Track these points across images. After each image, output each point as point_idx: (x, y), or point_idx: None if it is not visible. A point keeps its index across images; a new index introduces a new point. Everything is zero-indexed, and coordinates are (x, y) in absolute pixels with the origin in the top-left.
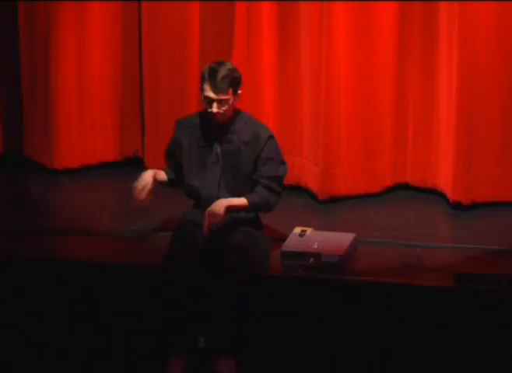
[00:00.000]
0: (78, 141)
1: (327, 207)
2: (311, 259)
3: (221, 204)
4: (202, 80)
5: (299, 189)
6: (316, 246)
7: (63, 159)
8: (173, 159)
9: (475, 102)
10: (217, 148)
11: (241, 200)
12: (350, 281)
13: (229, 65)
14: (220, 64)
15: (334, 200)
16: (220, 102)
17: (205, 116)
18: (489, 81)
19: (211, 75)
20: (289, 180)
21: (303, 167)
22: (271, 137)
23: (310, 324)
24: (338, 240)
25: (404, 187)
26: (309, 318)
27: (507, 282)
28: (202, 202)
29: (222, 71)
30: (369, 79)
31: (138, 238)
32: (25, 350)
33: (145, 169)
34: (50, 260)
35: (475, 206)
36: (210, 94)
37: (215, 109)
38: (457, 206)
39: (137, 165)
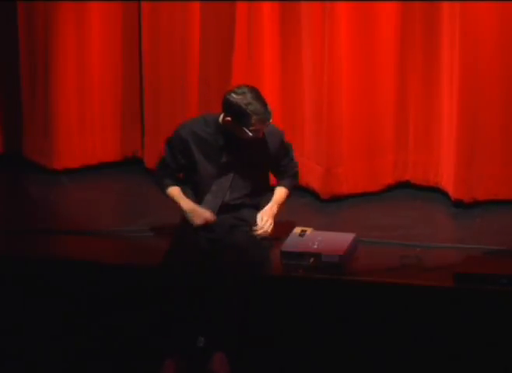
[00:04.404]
0: (78, 141)
1: (328, 206)
2: (311, 259)
3: (268, 220)
4: (244, 116)
5: (301, 189)
6: (316, 246)
7: (63, 159)
8: (176, 161)
9: (476, 101)
10: (233, 159)
11: (283, 195)
12: (350, 281)
13: (254, 90)
14: (250, 92)
15: (336, 199)
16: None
17: (222, 131)
18: (491, 80)
19: (256, 109)
20: None
21: (305, 166)
22: (283, 133)
23: (310, 324)
24: (338, 240)
25: (405, 185)
26: (309, 318)
27: (507, 282)
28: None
29: (260, 99)
30: (371, 79)
31: (139, 237)
32: (25, 349)
33: (144, 169)
34: (50, 260)
35: (476, 204)
36: (264, 126)
37: (261, 135)
38: (459, 204)
39: (137, 165)
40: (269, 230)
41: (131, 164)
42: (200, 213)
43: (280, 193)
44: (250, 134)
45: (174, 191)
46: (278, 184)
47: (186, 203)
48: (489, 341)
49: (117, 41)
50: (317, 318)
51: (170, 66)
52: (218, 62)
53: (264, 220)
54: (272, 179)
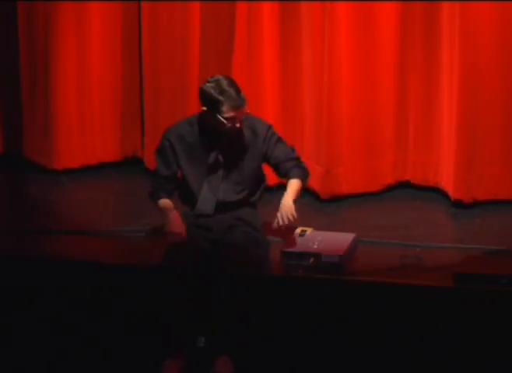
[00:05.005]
0: (78, 141)
1: (328, 206)
2: (311, 259)
3: (289, 205)
4: (216, 103)
5: None
6: (316, 246)
7: (63, 159)
8: (169, 168)
9: (476, 101)
10: (219, 156)
11: (296, 186)
12: (350, 281)
13: (228, 78)
14: (223, 80)
15: (336, 200)
16: (242, 116)
17: (202, 125)
18: (491, 80)
19: (228, 95)
20: None
21: None
22: (270, 126)
23: (309, 324)
24: (338, 240)
25: (405, 185)
26: (309, 318)
27: (507, 282)
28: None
29: (234, 86)
30: (371, 79)
31: (139, 237)
32: (24, 349)
33: (144, 169)
34: (50, 260)
35: (476, 204)
36: (235, 113)
37: (238, 124)
38: (459, 204)
39: (137, 165)
40: (291, 218)
41: (131, 164)
42: (179, 227)
43: (292, 185)
44: (226, 122)
45: (165, 203)
46: (288, 178)
47: (173, 214)
48: (489, 341)
49: (117, 41)
50: (317, 318)
51: (170, 66)
52: (218, 62)
53: (284, 215)
54: (272, 178)
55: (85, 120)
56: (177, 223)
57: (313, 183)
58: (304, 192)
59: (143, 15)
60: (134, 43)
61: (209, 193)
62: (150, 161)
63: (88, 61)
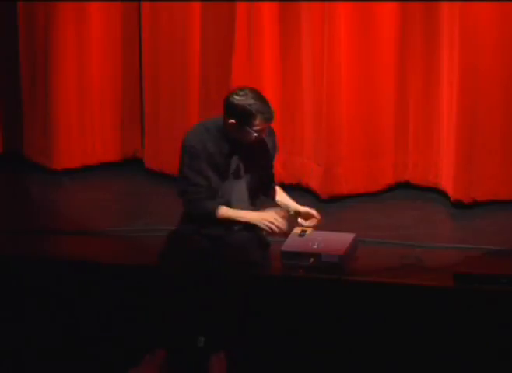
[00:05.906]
0: (78, 141)
1: (328, 206)
2: (311, 259)
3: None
4: (249, 116)
5: (301, 189)
6: (316, 246)
7: (62, 159)
8: (205, 175)
9: (476, 102)
10: (239, 162)
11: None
12: (350, 281)
13: (255, 90)
14: (250, 93)
15: (336, 200)
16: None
17: (224, 134)
18: (490, 80)
19: (260, 108)
20: (290, 180)
21: (305, 166)
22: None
23: (309, 324)
24: (338, 240)
25: (405, 186)
26: (308, 318)
27: (507, 282)
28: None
29: (262, 98)
30: (371, 79)
31: (139, 237)
32: (24, 349)
33: (144, 169)
34: (50, 260)
35: (475, 205)
36: (268, 124)
37: (264, 135)
38: (458, 205)
39: (137, 165)
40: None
41: (131, 164)
42: (269, 214)
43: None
44: (255, 134)
45: (224, 210)
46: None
47: (250, 215)
48: (489, 341)
49: (117, 41)
50: (317, 318)
51: (170, 66)
52: (218, 62)
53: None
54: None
55: (85, 120)
56: (268, 217)
57: (313, 182)
58: (304, 192)
59: (143, 15)
60: (134, 43)
61: (240, 202)
62: (150, 161)
63: (88, 61)
